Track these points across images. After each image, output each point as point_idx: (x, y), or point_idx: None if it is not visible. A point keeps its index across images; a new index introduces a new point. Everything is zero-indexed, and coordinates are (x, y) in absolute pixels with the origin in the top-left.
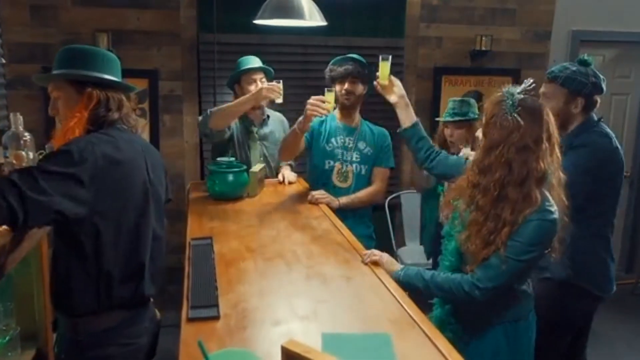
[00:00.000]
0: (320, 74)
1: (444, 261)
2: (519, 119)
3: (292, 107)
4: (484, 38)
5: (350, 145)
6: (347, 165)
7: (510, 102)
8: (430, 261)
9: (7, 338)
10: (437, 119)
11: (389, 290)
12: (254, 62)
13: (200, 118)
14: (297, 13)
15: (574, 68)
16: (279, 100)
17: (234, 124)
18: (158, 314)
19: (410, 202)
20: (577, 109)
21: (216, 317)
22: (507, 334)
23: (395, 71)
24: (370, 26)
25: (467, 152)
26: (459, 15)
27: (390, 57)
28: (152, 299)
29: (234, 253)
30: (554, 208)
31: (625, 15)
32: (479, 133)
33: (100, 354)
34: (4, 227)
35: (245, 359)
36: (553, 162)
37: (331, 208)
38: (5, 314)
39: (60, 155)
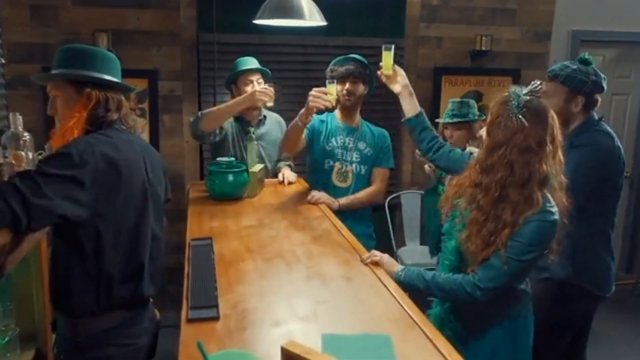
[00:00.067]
0: (320, 74)
1: (444, 260)
2: (524, 120)
3: (292, 107)
4: (484, 38)
5: (351, 145)
6: (346, 165)
7: (516, 103)
8: (434, 260)
9: (6, 338)
10: (436, 120)
11: (389, 291)
12: (251, 63)
13: (191, 119)
14: (297, 13)
15: (575, 66)
16: (270, 104)
17: (229, 124)
18: (157, 314)
19: (410, 202)
20: (577, 108)
21: (216, 318)
22: (506, 333)
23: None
24: (370, 26)
25: (472, 148)
26: (459, 15)
27: (393, 46)
28: (151, 299)
29: (234, 253)
30: (555, 209)
31: (626, 15)
32: (483, 132)
33: (100, 355)
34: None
35: None
36: (555, 165)
37: (331, 209)
38: (4, 314)
39: (61, 158)
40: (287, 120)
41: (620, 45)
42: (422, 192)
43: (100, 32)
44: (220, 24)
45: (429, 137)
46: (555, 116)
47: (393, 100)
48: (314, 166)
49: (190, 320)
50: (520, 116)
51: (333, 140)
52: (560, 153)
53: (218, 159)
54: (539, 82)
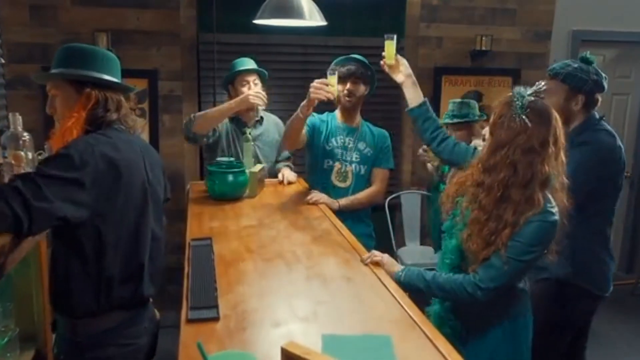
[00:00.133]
0: (321, 74)
1: (445, 259)
2: (527, 120)
3: (293, 107)
4: (484, 38)
5: (350, 145)
6: (346, 165)
7: (520, 104)
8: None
9: (6, 339)
10: None
11: (390, 291)
12: (248, 63)
13: (184, 122)
14: (297, 13)
15: (576, 65)
16: (262, 107)
17: (224, 125)
18: (157, 314)
19: (410, 202)
20: (577, 106)
21: (216, 319)
22: (506, 332)
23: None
24: (370, 26)
25: (477, 142)
26: (459, 15)
27: (395, 36)
28: (151, 299)
29: (234, 254)
30: (555, 210)
31: (626, 15)
32: (486, 131)
33: (100, 355)
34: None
35: None
36: (558, 166)
37: (331, 209)
38: (4, 314)
39: (61, 159)
40: (287, 120)
41: (620, 45)
42: (422, 192)
43: (99, 32)
44: (220, 23)
45: (433, 127)
46: (558, 117)
47: (393, 100)
48: (314, 166)
49: (190, 321)
50: (523, 117)
51: (333, 140)
52: (562, 154)
53: (218, 159)
54: (543, 83)
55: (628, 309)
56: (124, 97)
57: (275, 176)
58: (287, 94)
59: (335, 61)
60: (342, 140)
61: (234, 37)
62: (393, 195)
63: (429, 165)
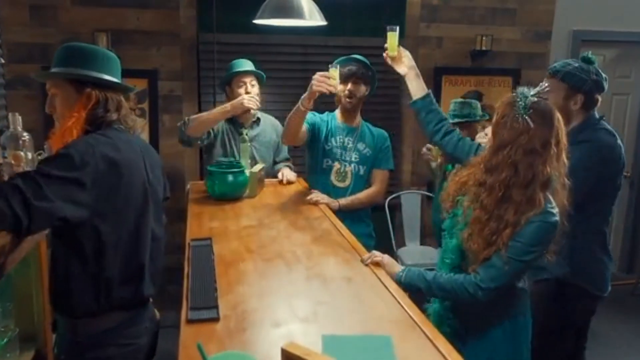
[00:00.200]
0: None
1: (445, 259)
2: (530, 121)
3: (292, 108)
4: (484, 38)
5: (350, 145)
6: (345, 165)
7: (523, 104)
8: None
9: (5, 339)
10: None
11: (390, 292)
12: (245, 65)
13: (178, 124)
14: (297, 13)
15: (576, 64)
16: (254, 111)
17: (220, 126)
18: (157, 313)
19: (410, 202)
20: (576, 106)
21: (216, 319)
22: (506, 332)
23: (395, 70)
24: (370, 26)
25: (481, 135)
26: (459, 15)
27: (397, 27)
28: (151, 299)
29: (234, 254)
30: (556, 210)
31: (626, 15)
32: (489, 131)
33: (100, 355)
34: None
35: None
36: (559, 167)
37: (331, 209)
38: (4, 314)
39: (61, 159)
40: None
41: (620, 45)
42: (422, 192)
43: (99, 32)
44: (220, 23)
45: (436, 119)
46: (561, 118)
47: (393, 100)
48: (313, 166)
49: (190, 321)
50: (526, 117)
51: (332, 139)
52: (564, 155)
53: (218, 159)
54: (546, 84)
55: (628, 309)
56: (124, 97)
57: (273, 177)
58: (287, 94)
59: (336, 61)
60: (341, 140)
61: (234, 37)
62: (393, 195)
63: (432, 163)
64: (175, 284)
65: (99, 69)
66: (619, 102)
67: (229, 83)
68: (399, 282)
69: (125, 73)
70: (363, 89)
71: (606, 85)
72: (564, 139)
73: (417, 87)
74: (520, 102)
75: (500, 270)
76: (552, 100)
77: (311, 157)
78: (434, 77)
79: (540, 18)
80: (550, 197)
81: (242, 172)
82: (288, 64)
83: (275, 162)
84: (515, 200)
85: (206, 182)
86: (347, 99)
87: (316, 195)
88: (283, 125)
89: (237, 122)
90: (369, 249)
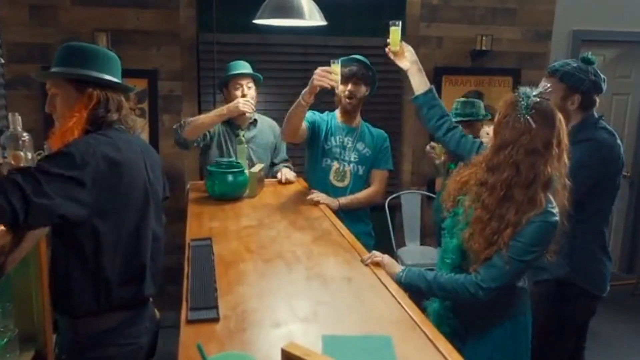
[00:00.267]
0: None
1: (445, 259)
2: (531, 121)
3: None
4: (484, 38)
5: (349, 145)
6: (344, 165)
7: (525, 104)
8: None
9: (5, 340)
10: None
11: (390, 292)
12: (242, 67)
13: (174, 127)
14: (297, 13)
15: (575, 64)
16: (249, 114)
17: (216, 127)
18: (157, 313)
19: (411, 202)
20: (573, 106)
21: (216, 319)
22: (507, 332)
23: (395, 70)
24: (370, 26)
25: (485, 137)
26: (460, 15)
27: (400, 22)
28: (151, 299)
29: (234, 254)
30: (556, 210)
31: (626, 15)
32: (490, 130)
33: (101, 354)
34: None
35: None
36: (560, 168)
37: (331, 208)
38: (3, 315)
39: (62, 157)
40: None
41: (620, 45)
42: (422, 192)
43: (99, 32)
44: (220, 23)
45: (438, 115)
46: (562, 119)
47: (393, 100)
48: (313, 165)
49: (189, 322)
50: (528, 117)
51: (332, 139)
52: (565, 156)
53: (217, 159)
54: (549, 85)
55: (628, 309)
56: (124, 97)
57: (272, 178)
58: (287, 94)
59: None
60: (340, 140)
61: (234, 37)
62: (393, 196)
63: (436, 161)
64: (175, 284)
65: (100, 69)
66: (619, 102)
67: (225, 85)
68: (399, 282)
69: (125, 73)
70: (363, 90)
71: (604, 87)
72: (565, 140)
73: (419, 82)
74: (522, 102)
75: (501, 270)
76: (551, 100)
77: (310, 156)
78: (434, 77)
79: (541, 18)
80: (551, 197)
81: (242, 172)
82: (288, 64)
83: (273, 164)
84: (516, 200)
85: (206, 182)
86: (347, 100)
87: (316, 196)
88: (281, 125)
89: (234, 123)
90: (368, 247)
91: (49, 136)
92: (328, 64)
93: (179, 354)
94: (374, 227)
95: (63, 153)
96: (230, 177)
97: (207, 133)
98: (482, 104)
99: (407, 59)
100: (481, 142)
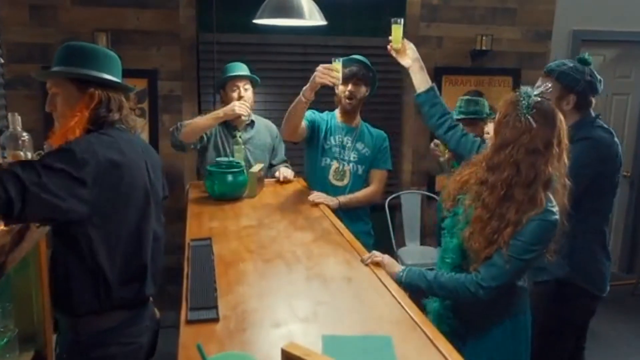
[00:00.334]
0: None
1: (445, 258)
2: (532, 121)
3: None
4: (484, 38)
5: (349, 144)
6: (344, 164)
7: (526, 104)
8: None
9: (5, 340)
10: None
11: (390, 292)
12: (239, 69)
13: (171, 129)
14: (297, 13)
15: (571, 64)
16: (245, 117)
17: (213, 129)
18: (157, 312)
19: (410, 202)
20: (568, 106)
21: (215, 319)
22: (507, 331)
23: (395, 70)
24: (370, 26)
25: (487, 129)
26: (460, 14)
27: (402, 20)
28: (151, 298)
29: (234, 254)
30: (556, 209)
31: (626, 15)
32: (490, 129)
33: (102, 354)
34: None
35: None
36: (560, 167)
37: (330, 208)
38: (3, 315)
39: (63, 154)
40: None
41: (620, 45)
42: (422, 192)
43: (99, 31)
44: (220, 23)
45: (439, 113)
46: (563, 119)
47: (393, 100)
48: (312, 164)
49: (189, 322)
50: (529, 117)
51: (331, 138)
52: (565, 156)
53: (217, 159)
54: (550, 85)
55: (628, 309)
56: (124, 97)
57: (271, 178)
58: (287, 94)
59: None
60: (340, 139)
61: (234, 37)
62: (393, 195)
63: (440, 159)
64: (175, 284)
65: (100, 69)
66: (619, 102)
67: (223, 86)
68: (399, 282)
69: (125, 73)
70: (363, 90)
71: (600, 88)
72: (565, 140)
73: (421, 80)
74: (523, 102)
75: (501, 269)
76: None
77: (310, 155)
78: (434, 77)
79: (541, 18)
80: (551, 197)
81: (242, 172)
82: (288, 64)
83: (272, 165)
84: (517, 199)
85: (205, 182)
86: (347, 100)
87: (316, 197)
88: (278, 127)
89: (231, 125)
90: (368, 247)
91: (49, 136)
92: (327, 64)
93: (179, 354)
94: (374, 226)
95: (64, 149)
96: (230, 177)
97: (204, 135)
98: (486, 103)
99: (409, 57)
100: (482, 142)
